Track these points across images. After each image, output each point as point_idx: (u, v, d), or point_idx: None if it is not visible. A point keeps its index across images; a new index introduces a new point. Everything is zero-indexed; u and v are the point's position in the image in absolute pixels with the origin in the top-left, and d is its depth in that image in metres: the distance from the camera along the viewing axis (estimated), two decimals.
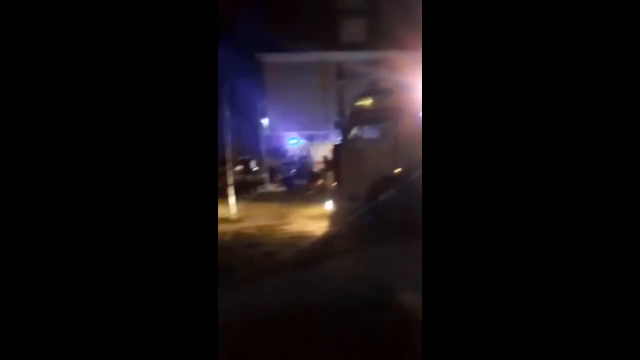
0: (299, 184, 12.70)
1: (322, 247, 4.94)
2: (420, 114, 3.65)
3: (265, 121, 18.73)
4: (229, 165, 7.51)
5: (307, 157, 13.42)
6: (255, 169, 15.80)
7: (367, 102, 6.21)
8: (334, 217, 6.76)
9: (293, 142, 16.66)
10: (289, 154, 15.73)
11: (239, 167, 12.30)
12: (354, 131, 6.50)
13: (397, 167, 5.70)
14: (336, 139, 7.37)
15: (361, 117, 6.33)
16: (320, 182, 11.31)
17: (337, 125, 7.55)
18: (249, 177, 13.78)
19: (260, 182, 13.83)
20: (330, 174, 9.24)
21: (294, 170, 13.41)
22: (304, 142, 16.88)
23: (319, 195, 9.56)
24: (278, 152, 17.41)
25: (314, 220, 6.66)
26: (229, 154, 7.42)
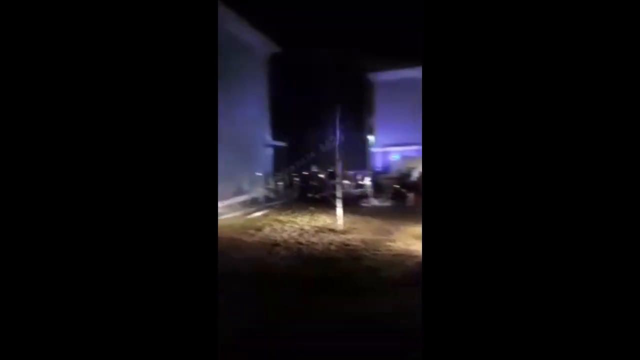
0: (402, 199, 12.37)
1: None
2: None
3: (372, 137, 18.90)
4: (338, 179, 7.80)
5: (411, 173, 13.02)
6: (361, 183, 15.99)
7: None
8: None
9: (396, 157, 16.36)
10: (393, 169, 15.51)
11: (346, 182, 12.64)
12: None
13: None
14: None
15: None
16: None
17: None
18: (355, 191, 14.00)
19: (365, 196, 13.92)
20: None
21: (397, 185, 13.15)
22: (409, 158, 16.44)
23: None
24: (383, 167, 17.34)
25: (419, 239, 6.39)
26: (339, 168, 7.71)
